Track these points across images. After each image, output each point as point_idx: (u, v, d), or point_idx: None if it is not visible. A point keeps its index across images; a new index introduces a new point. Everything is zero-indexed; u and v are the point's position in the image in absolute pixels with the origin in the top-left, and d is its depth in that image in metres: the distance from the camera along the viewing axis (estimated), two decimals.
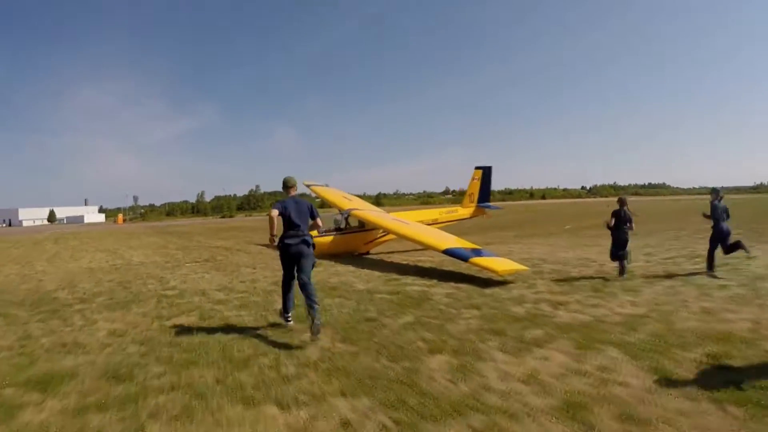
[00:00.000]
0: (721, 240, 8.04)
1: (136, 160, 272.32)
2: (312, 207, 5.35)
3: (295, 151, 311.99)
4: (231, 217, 75.43)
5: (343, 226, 13.13)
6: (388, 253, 13.54)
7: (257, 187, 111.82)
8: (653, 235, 15.60)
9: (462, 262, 9.30)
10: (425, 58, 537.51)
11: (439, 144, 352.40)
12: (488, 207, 16.80)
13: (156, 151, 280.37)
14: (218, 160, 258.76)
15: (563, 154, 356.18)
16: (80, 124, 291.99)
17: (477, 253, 9.08)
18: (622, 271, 8.02)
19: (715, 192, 8.28)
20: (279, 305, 5.79)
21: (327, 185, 17.60)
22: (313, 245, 5.26)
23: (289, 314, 5.48)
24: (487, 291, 7.46)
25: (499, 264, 8.37)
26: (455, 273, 9.36)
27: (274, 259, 10.34)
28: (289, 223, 5.14)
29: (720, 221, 8.03)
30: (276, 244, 5.21)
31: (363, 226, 13.14)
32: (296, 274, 5.19)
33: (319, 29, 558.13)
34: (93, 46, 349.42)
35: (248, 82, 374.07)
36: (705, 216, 8.40)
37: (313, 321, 4.83)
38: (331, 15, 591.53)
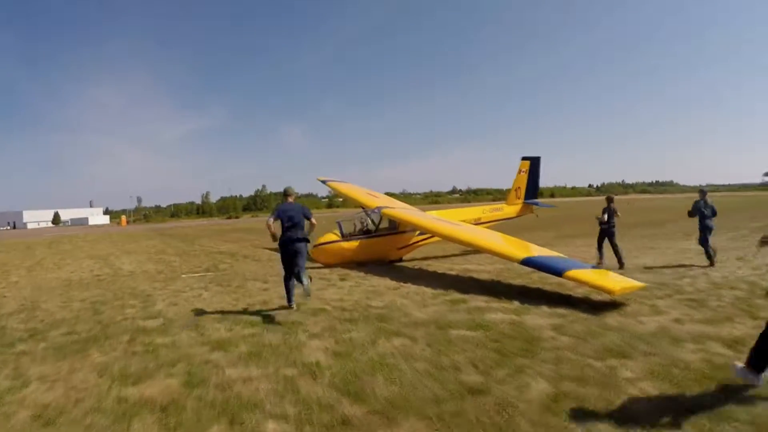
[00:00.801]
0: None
1: (143, 161, 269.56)
2: (305, 209, 6.09)
3: (301, 151, 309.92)
4: (237, 218, 72.91)
5: (371, 227, 10.75)
6: (421, 259, 11.24)
7: (263, 187, 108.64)
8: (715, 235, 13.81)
9: (535, 272, 7.42)
10: (432, 58, 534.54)
11: (445, 143, 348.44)
12: (536, 204, 14.23)
13: (163, 151, 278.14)
14: (224, 160, 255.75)
15: (569, 151, 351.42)
16: (87, 124, 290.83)
17: (572, 264, 6.67)
18: (602, 259, 9.13)
19: (702, 192, 9.18)
20: (308, 356, 4.39)
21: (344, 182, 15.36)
22: (307, 241, 6.08)
23: (292, 303, 6.11)
24: (611, 321, 5.16)
25: (611, 280, 5.99)
26: (531, 289, 7.12)
27: None
28: (284, 227, 5.96)
29: (704, 219, 8.85)
30: (276, 242, 6.05)
31: (395, 228, 10.78)
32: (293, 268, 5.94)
33: (327, 30, 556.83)
34: (101, 44, 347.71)
35: (256, 81, 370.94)
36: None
37: (303, 287, 5.75)
38: (339, 15, 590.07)
